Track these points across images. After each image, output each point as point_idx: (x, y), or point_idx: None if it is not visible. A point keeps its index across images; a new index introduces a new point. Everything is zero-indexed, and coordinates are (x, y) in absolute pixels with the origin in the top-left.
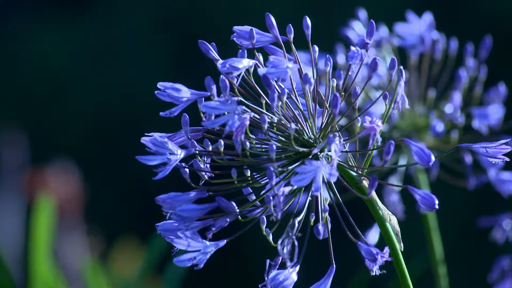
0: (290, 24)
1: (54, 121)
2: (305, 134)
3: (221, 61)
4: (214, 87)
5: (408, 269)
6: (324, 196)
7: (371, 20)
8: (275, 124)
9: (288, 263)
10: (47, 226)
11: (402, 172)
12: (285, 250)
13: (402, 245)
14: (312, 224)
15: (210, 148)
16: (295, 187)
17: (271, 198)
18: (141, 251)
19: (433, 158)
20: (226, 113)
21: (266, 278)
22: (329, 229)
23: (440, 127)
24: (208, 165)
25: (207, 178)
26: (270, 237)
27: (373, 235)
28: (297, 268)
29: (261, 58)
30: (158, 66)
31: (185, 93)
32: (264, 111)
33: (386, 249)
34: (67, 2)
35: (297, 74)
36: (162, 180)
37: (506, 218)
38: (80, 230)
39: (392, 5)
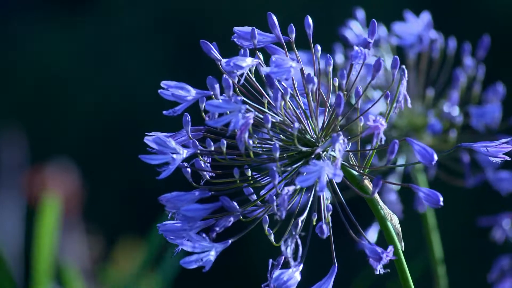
0: (292, 24)
1: (54, 121)
2: (308, 133)
3: (224, 59)
4: (217, 86)
5: (409, 268)
6: (326, 196)
7: (373, 19)
8: (277, 124)
9: (292, 263)
10: (52, 226)
11: (400, 172)
12: (288, 250)
13: (403, 244)
14: (314, 223)
15: (212, 148)
16: (299, 186)
17: (274, 197)
18: (141, 249)
19: (436, 157)
20: (228, 112)
21: (269, 278)
22: (331, 229)
23: (438, 126)
24: (208, 165)
25: (208, 177)
26: (272, 237)
27: (372, 234)
28: (300, 267)
29: (261, 57)
30: (158, 66)
31: (189, 92)
32: (266, 110)
33: (391, 248)
34: (67, 2)
35: (298, 74)
36: (162, 180)
37: (505, 217)
38: (80, 229)
39: (390, 4)
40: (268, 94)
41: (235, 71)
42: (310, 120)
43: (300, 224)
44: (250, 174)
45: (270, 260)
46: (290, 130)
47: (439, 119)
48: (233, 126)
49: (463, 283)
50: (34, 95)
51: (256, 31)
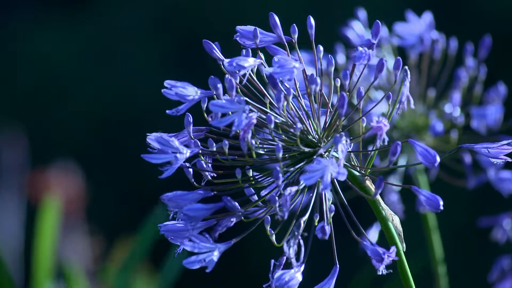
0: (294, 24)
1: (54, 121)
2: (310, 134)
3: (227, 59)
4: (220, 86)
5: (409, 267)
6: (328, 196)
7: (377, 20)
8: (279, 124)
9: (294, 263)
10: (52, 227)
11: (402, 172)
12: (291, 250)
13: (404, 245)
14: (316, 224)
15: (214, 148)
16: (302, 186)
17: (276, 198)
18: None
19: (438, 158)
20: (230, 112)
21: (271, 278)
22: (333, 229)
23: (439, 126)
24: (210, 165)
25: (210, 178)
26: (274, 238)
27: (372, 234)
28: (302, 268)
29: (262, 57)
30: (158, 66)
31: (193, 91)
32: (268, 111)
33: (393, 249)
34: (67, 2)
35: (300, 74)
36: (163, 180)
37: (506, 218)
38: (81, 230)
39: (392, 4)
40: (270, 95)
41: (238, 71)
42: (312, 121)
43: (302, 224)
44: (252, 175)
45: (272, 261)
46: (292, 130)
47: (441, 120)
48: (236, 126)
49: (464, 283)
50: (34, 95)
51: (259, 30)
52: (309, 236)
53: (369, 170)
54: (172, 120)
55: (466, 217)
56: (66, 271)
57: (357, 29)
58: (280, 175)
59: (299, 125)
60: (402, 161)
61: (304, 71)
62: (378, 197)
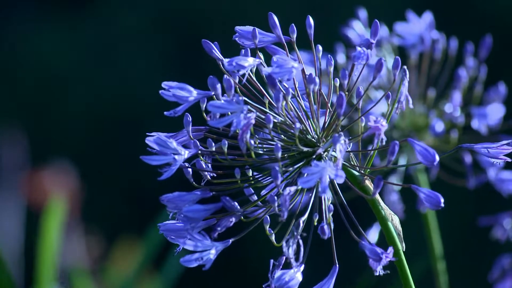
0: (293, 24)
1: (54, 121)
2: (309, 134)
3: (227, 59)
4: (218, 87)
5: (410, 269)
6: (327, 196)
7: (375, 20)
8: (278, 124)
9: (294, 263)
10: (56, 228)
11: (402, 172)
12: (290, 250)
13: (404, 245)
14: (315, 223)
15: (214, 148)
16: (301, 186)
17: (275, 197)
18: (139, 248)
19: (437, 157)
20: (229, 113)
21: (270, 278)
22: (332, 229)
23: (439, 126)
24: (210, 165)
25: (209, 178)
26: (273, 237)
27: (373, 235)
28: (302, 268)
29: (262, 57)
30: (158, 66)
31: (191, 92)
32: (267, 111)
33: (390, 249)
34: (67, 2)
35: (299, 74)
36: (162, 180)
37: (506, 217)
38: (79, 230)
39: (392, 4)
40: (269, 94)
41: (237, 71)
42: (311, 121)
43: (301, 224)
44: (251, 175)
45: (271, 261)
46: (291, 130)
47: (441, 120)
48: (235, 126)
49: (464, 283)
50: (34, 95)
51: (258, 30)
52: (309, 236)
53: (369, 170)
54: (172, 120)
55: (466, 217)
56: (71, 272)
57: (357, 29)
58: (279, 175)
59: (298, 125)
60: (402, 161)
61: (303, 71)
62: (377, 196)
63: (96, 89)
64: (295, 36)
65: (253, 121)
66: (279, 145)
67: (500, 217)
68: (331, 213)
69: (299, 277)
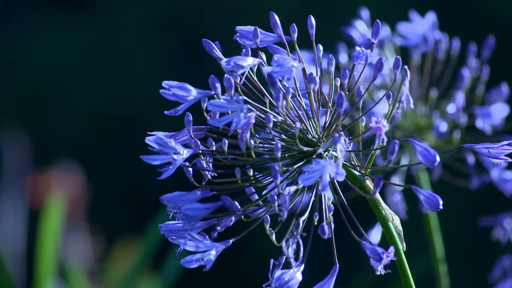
0: (294, 24)
1: (55, 121)
2: (309, 133)
3: (225, 59)
4: (218, 86)
5: (410, 269)
6: (328, 196)
7: (377, 20)
8: (279, 123)
9: (293, 263)
10: (56, 227)
11: (404, 172)
12: (290, 250)
13: (404, 244)
14: (316, 223)
15: (214, 148)
16: (301, 186)
17: (275, 197)
18: (138, 247)
19: (438, 158)
20: (230, 112)
21: (270, 278)
22: (333, 229)
23: (443, 127)
24: (210, 165)
25: (210, 177)
26: (273, 237)
27: (375, 235)
28: (302, 267)
29: (264, 57)
30: (158, 66)
31: (191, 91)
32: (268, 110)
33: (391, 249)
34: (67, 2)
35: (300, 74)
36: (163, 180)
37: (507, 217)
38: (82, 230)
39: (394, 4)
40: (269, 94)
41: (236, 70)
42: (312, 120)
43: (301, 224)
44: (251, 174)
45: (272, 260)
46: (291, 130)
47: (444, 120)
48: (235, 125)
49: (465, 283)
50: (34, 95)
51: (259, 30)
52: (309, 235)
53: (369, 170)
54: (173, 120)
55: (467, 217)
56: (67, 271)
57: (360, 29)
58: (279, 174)
59: (298, 124)
60: (404, 161)
61: (304, 70)
62: (378, 196)
63: (96, 89)
64: (296, 35)
65: (253, 120)
66: (279, 145)
67: (500, 218)
68: (331, 213)
69: (299, 276)
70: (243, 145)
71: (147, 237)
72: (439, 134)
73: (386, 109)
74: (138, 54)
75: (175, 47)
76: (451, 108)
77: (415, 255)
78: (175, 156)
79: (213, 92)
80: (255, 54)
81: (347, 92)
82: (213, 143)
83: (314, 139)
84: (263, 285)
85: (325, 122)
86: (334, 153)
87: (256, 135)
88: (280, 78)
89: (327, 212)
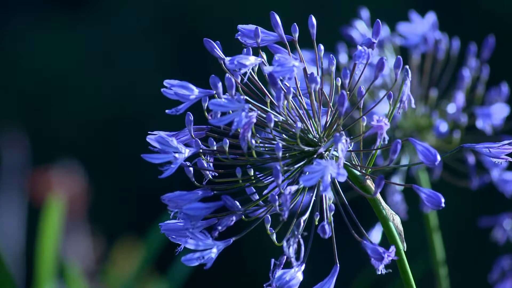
0: (295, 23)
1: (55, 121)
2: (310, 133)
3: (228, 58)
4: (220, 85)
5: (411, 269)
6: (328, 196)
7: (377, 19)
8: (280, 123)
9: (294, 263)
10: (56, 227)
11: (404, 172)
12: (291, 250)
13: (405, 244)
14: (317, 223)
15: (215, 147)
16: (302, 186)
17: (276, 197)
18: (140, 249)
19: (438, 157)
20: (231, 111)
21: (271, 277)
22: (333, 228)
23: (443, 127)
24: (211, 164)
25: (211, 177)
26: (274, 237)
27: (375, 235)
28: (303, 267)
29: (265, 56)
30: (158, 66)
31: (192, 91)
32: (269, 110)
33: (392, 248)
34: (67, 2)
35: (301, 73)
36: (163, 180)
37: (506, 218)
38: (83, 230)
39: (394, 4)
40: (271, 94)
41: (238, 69)
42: (313, 120)
43: (302, 224)
44: (252, 174)
45: (272, 260)
46: (292, 129)
47: (444, 120)
48: (236, 125)
49: (464, 283)
50: (34, 95)
51: (260, 29)
52: (310, 235)
53: (370, 170)
54: (173, 120)
55: (467, 217)
56: (66, 271)
57: (360, 29)
58: (280, 174)
59: (299, 124)
60: (404, 161)
61: (305, 69)
62: (379, 196)
63: (96, 89)
64: (297, 35)
65: (254, 120)
66: (280, 145)
67: (500, 218)
68: (332, 213)
69: (299, 276)
70: (245, 144)
71: (149, 239)
72: (439, 134)
73: (386, 109)
74: (138, 54)
75: (175, 47)
76: (451, 108)
77: (415, 255)
78: (176, 155)
79: (214, 92)
80: (256, 53)
81: (348, 92)
82: (214, 143)
83: (315, 139)
84: (264, 285)
85: (326, 122)
86: (335, 152)
87: (257, 134)
88: (281, 78)
89: (328, 212)
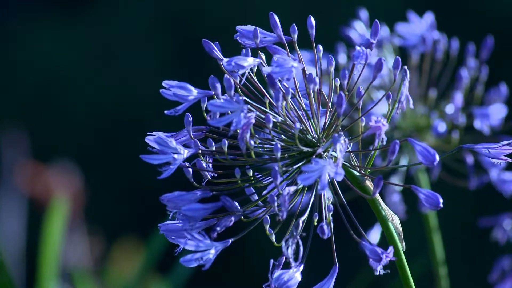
0: (294, 24)
1: (54, 121)
2: (309, 133)
3: (226, 59)
4: (218, 86)
5: (410, 269)
6: (327, 196)
7: (376, 20)
8: (278, 124)
9: (293, 263)
10: (59, 228)
11: (403, 172)
12: (289, 250)
13: (404, 245)
14: (315, 223)
15: (214, 148)
16: (300, 186)
17: (275, 197)
18: (141, 250)
19: (437, 157)
20: (230, 112)
21: (270, 278)
22: (332, 229)
23: (442, 127)
24: (210, 165)
25: (210, 177)
26: (273, 237)
27: (374, 235)
28: (301, 268)
29: (263, 57)
30: (158, 66)
31: (191, 91)
32: (268, 110)
33: (391, 249)
34: (67, 2)
35: (300, 74)
36: (162, 180)
37: (506, 218)
38: (81, 230)
39: (393, 5)
40: (269, 94)
41: (237, 70)
42: (312, 121)
43: (301, 224)
44: (251, 174)
45: (271, 260)
46: (291, 130)
47: (442, 120)
48: (235, 125)
49: (464, 283)
50: (34, 95)
51: (259, 30)
52: (309, 235)
53: (369, 170)
54: (172, 121)
55: (467, 217)
56: (74, 273)
57: (359, 29)
58: (279, 175)
59: (298, 124)
60: (403, 161)
61: (303, 70)
62: (378, 196)
63: (96, 89)
64: (296, 36)
65: (253, 121)
66: (279, 145)
67: (500, 218)
68: (331, 213)
69: (298, 276)
70: (243, 145)
71: (151, 241)
72: (437, 134)
73: (385, 110)
74: (138, 54)
75: (175, 47)
76: (449, 109)
77: (414, 255)
78: (175, 156)
79: (213, 92)
80: (254, 54)
81: (346, 93)
82: (213, 143)
83: (313, 140)
84: (263, 286)
85: (325, 123)
86: (333, 153)
87: (256, 135)
88: (280, 79)
89: (326, 212)
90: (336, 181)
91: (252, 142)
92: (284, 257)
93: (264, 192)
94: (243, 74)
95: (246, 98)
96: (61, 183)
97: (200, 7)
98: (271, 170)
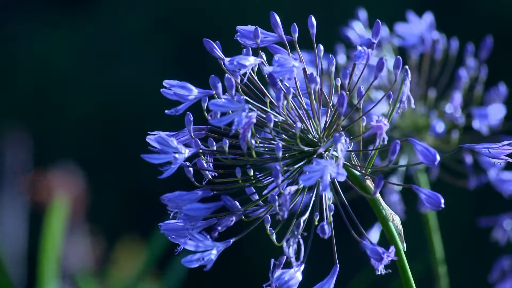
0: (295, 24)
1: (54, 121)
2: (310, 133)
3: (228, 58)
4: (219, 86)
5: (410, 269)
6: (328, 196)
7: (377, 20)
8: (279, 123)
9: (294, 263)
10: (59, 229)
11: (402, 172)
12: (290, 250)
13: (404, 244)
14: (316, 223)
15: (215, 147)
16: (301, 186)
17: (276, 197)
18: (143, 250)
19: (438, 157)
20: (231, 111)
21: (270, 278)
22: (333, 229)
23: (440, 127)
24: (211, 164)
25: (210, 177)
26: (274, 237)
27: (374, 235)
28: (302, 267)
29: (264, 57)
30: (158, 66)
31: (192, 91)
32: (269, 110)
33: (392, 248)
34: (67, 2)
35: (301, 74)
36: (163, 180)
37: (506, 218)
38: (83, 231)
39: (392, 5)
40: (270, 94)
41: (238, 70)
42: (313, 120)
43: (302, 224)
44: (252, 174)
45: (272, 260)
46: (292, 130)
47: (442, 120)
48: (236, 125)
49: (464, 283)
50: (34, 96)
51: (260, 30)
52: (310, 235)
53: (370, 170)
54: (173, 121)
55: (467, 217)
56: (76, 273)
57: (357, 29)
58: (280, 174)
59: (299, 124)
60: (403, 161)
61: (304, 70)
62: (378, 196)
63: (96, 89)
64: (296, 35)
65: (254, 120)
66: (280, 145)
67: (500, 219)
68: (332, 213)
69: (299, 276)
70: (244, 144)
71: (152, 241)
72: (436, 134)
73: (384, 110)
74: (138, 54)
75: (175, 47)
76: (449, 108)
77: (414, 255)
78: (176, 155)
79: (214, 92)
80: (255, 53)
81: (347, 92)
82: (214, 143)
83: (314, 139)
84: (264, 285)
85: (326, 122)
86: (334, 153)
87: (257, 135)
88: (281, 78)
89: (327, 212)
90: (337, 180)
91: (253, 141)
92: (285, 257)
93: (265, 191)
94: (244, 74)
95: (247, 98)
96: (63, 183)
97: (200, 7)
98: (271, 170)
